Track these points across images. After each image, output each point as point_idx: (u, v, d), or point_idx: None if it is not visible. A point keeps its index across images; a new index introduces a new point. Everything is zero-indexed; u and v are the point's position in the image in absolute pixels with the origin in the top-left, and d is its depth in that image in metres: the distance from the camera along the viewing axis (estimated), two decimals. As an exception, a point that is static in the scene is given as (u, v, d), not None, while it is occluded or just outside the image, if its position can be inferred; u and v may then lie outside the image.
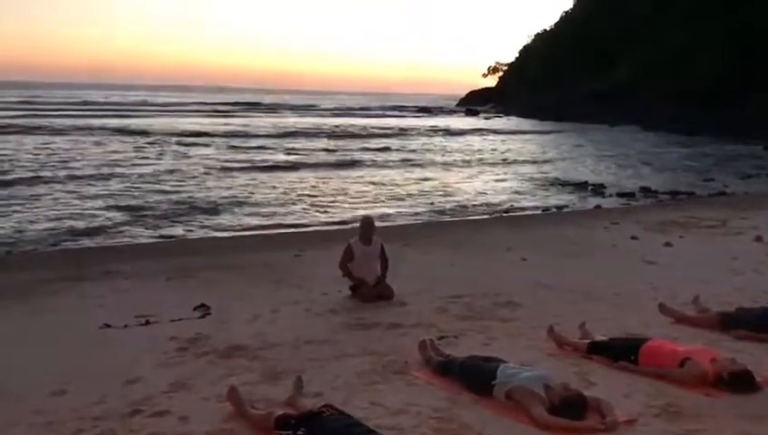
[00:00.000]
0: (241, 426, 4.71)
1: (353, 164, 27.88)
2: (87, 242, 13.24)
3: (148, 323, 7.28)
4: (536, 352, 6.17)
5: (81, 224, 14.68)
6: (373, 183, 22.49)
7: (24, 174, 21.49)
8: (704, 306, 7.31)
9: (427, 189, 21.62)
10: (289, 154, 30.37)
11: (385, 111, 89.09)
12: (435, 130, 50.53)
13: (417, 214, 17.37)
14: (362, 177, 24.00)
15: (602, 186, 22.66)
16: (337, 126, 49.92)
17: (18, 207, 16.11)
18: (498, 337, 6.67)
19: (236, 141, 35.65)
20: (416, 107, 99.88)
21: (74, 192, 18.57)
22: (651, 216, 15.53)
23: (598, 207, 18.74)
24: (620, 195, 20.95)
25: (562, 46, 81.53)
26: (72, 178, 21.11)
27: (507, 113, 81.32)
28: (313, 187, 21.28)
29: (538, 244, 11.99)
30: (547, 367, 5.46)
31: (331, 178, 23.32)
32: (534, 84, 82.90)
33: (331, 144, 36.04)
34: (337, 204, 18.38)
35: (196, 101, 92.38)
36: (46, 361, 6.13)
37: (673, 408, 4.96)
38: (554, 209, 18.50)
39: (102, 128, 41.16)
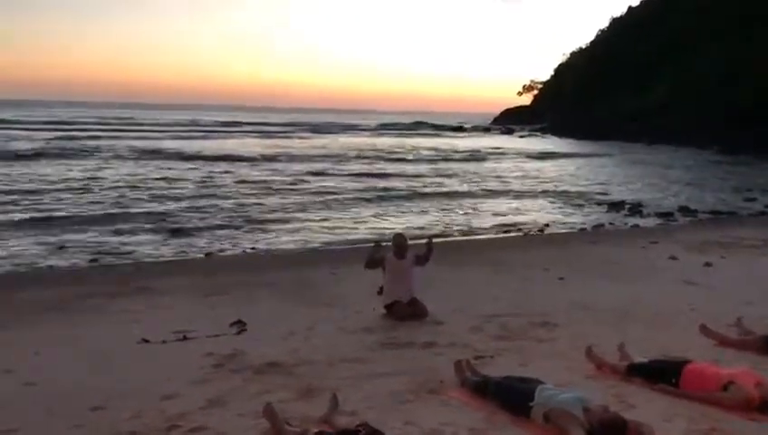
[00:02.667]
0: (277, 444, 4.71)
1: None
2: (125, 258, 13.43)
3: (185, 338, 7.35)
4: (574, 373, 6.07)
5: (118, 240, 14.93)
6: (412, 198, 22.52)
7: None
8: (747, 329, 7.14)
9: (462, 207, 21.57)
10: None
11: (427, 129, 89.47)
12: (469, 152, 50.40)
13: (453, 231, 17.31)
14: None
15: (640, 205, 22.35)
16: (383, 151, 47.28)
17: (57, 226, 16.47)
18: (535, 358, 6.58)
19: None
20: (449, 126, 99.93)
21: (114, 208, 18.92)
22: (691, 235, 15.26)
23: (636, 226, 18.48)
24: (659, 214, 20.63)
25: (598, 64, 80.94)
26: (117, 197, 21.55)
27: (543, 132, 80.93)
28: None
29: (575, 263, 11.85)
30: (585, 389, 5.36)
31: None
32: (570, 103, 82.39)
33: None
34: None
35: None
36: (85, 375, 6.22)
37: (717, 433, 4.84)
38: (591, 229, 18.28)
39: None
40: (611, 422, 4.65)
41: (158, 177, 26.34)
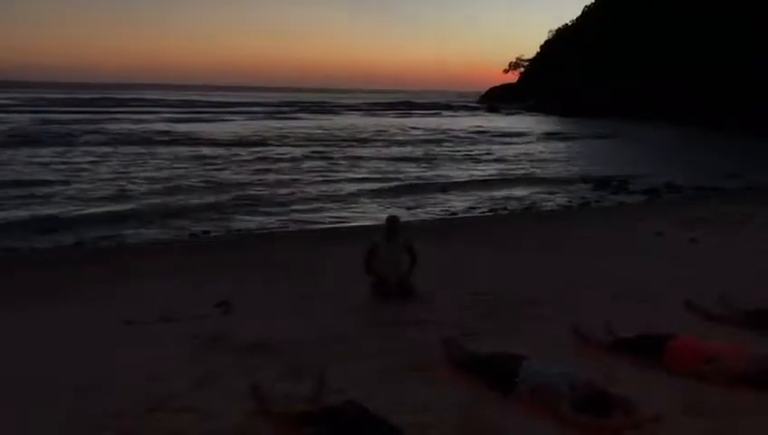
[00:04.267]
0: (263, 422, 4.70)
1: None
2: (109, 240, 13.33)
3: (170, 319, 7.31)
4: (561, 349, 6.08)
5: (104, 223, 14.82)
6: (396, 177, 22.47)
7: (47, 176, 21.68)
8: (731, 304, 7.19)
9: (451, 185, 21.56)
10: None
11: (406, 109, 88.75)
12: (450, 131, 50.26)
13: (440, 210, 17.30)
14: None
15: (626, 182, 22.42)
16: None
17: (39, 204, 16.31)
18: (522, 335, 6.60)
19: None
20: (434, 104, 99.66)
21: (103, 190, 18.75)
22: (676, 212, 15.32)
23: (622, 203, 18.55)
24: (645, 191, 20.70)
25: (585, 41, 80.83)
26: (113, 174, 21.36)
27: (529, 110, 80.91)
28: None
29: (562, 241, 11.88)
30: (571, 365, 5.38)
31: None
32: (556, 80, 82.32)
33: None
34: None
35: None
36: (70, 356, 6.18)
37: (700, 405, 4.87)
38: (577, 206, 18.32)
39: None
40: (597, 397, 4.68)
41: (142, 160, 25.96)
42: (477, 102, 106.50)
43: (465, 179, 23.35)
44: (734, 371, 5.25)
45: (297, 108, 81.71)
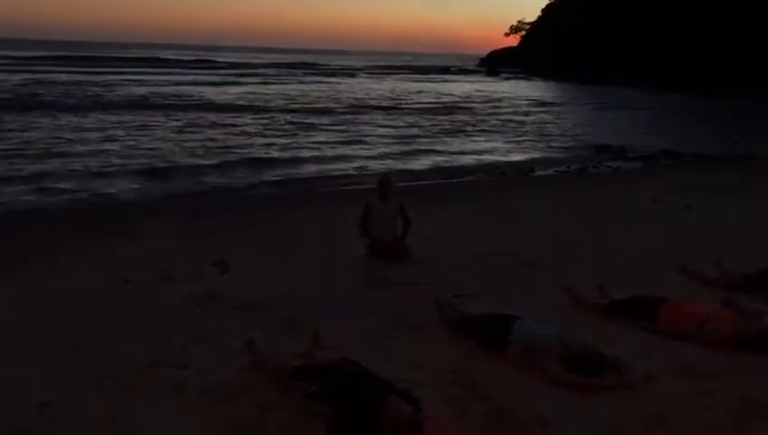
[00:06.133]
0: (258, 377, 4.76)
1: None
2: (107, 199, 13.34)
3: (168, 278, 7.34)
4: (554, 311, 6.11)
5: (100, 182, 14.80)
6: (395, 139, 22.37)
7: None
8: (725, 268, 7.22)
9: (443, 147, 21.49)
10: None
11: (400, 71, 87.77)
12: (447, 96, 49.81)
13: (436, 173, 17.29)
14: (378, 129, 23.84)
15: (624, 148, 22.37)
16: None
17: (35, 163, 16.24)
18: (516, 296, 6.64)
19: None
20: (434, 67, 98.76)
21: (98, 151, 18.64)
22: (673, 178, 15.32)
23: (619, 169, 18.54)
24: (642, 157, 20.69)
25: (587, 6, 79.73)
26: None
27: (529, 74, 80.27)
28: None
29: (558, 205, 11.90)
30: (565, 326, 5.42)
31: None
32: (557, 45, 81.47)
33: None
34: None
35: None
36: (69, 314, 6.22)
37: (692, 367, 4.93)
38: (575, 171, 18.31)
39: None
40: (589, 357, 4.73)
41: (140, 123, 25.53)
42: (478, 66, 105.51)
43: (462, 142, 23.29)
44: (726, 334, 5.30)
45: (302, 70, 79.68)
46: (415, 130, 25.97)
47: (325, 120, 28.65)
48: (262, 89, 45.68)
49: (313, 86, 51.35)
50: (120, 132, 22.34)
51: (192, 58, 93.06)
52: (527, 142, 24.42)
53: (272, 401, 4.43)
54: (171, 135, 22.15)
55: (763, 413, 4.29)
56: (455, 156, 20.26)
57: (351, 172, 16.90)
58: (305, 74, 70.29)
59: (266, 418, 4.21)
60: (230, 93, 40.48)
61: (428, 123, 28.80)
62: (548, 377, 4.69)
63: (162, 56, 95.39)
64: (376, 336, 5.56)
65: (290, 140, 22.01)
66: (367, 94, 44.19)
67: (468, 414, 4.27)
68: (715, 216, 10.94)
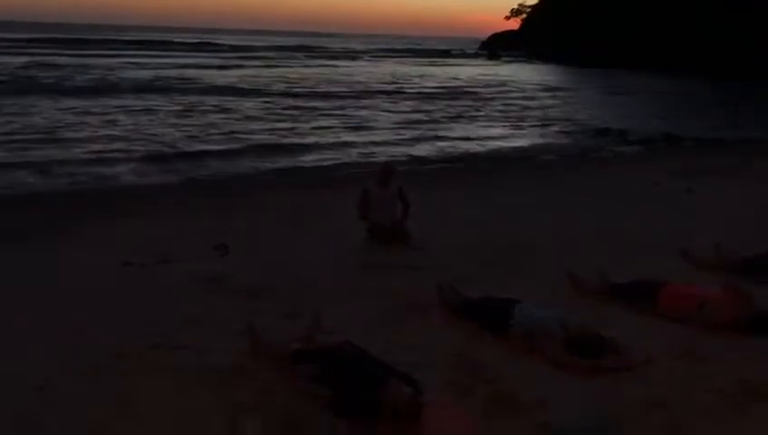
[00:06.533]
0: (258, 360, 4.77)
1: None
2: (107, 182, 13.32)
3: (167, 261, 7.34)
4: (555, 294, 6.14)
5: (100, 165, 14.77)
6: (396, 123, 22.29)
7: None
8: (726, 252, 7.22)
9: (444, 132, 21.42)
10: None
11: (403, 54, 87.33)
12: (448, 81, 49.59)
13: (437, 158, 17.25)
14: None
15: (625, 132, 22.31)
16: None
17: (35, 147, 16.19)
18: (516, 280, 6.64)
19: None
20: (435, 51, 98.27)
21: (99, 134, 18.57)
22: (674, 162, 15.29)
23: (620, 153, 18.50)
24: (643, 141, 20.63)
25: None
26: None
27: (530, 58, 79.93)
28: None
29: (558, 190, 11.89)
30: (565, 309, 5.43)
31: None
32: (558, 28, 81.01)
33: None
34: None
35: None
36: (69, 296, 6.22)
37: (691, 350, 4.95)
38: (576, 155, 18.27)
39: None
40: (589, 340, 4.75)
41: (142, 107, 25.32)
42: (479, 49, 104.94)
43: (464, 127, 23.18)
44: (726, 317, 5.31)
45: (303, 53, 78.87)
46: (418, 116, 25.71)
47: (328, 104, 28.46)
48: (264, 72, 45.40)
49: (315, 69, 50.99)
50: (121, 116, 22.16)
51: (196, 41, 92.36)
52: (529, 127, 24.30)
53: (272, 384, 4.44)
54: (173, 119, 22.02)
55: (761, 396, 4.30)
56: (457, 141, 20.16)
57: (355, 158, 16.81)
58: (306, 57, 69.87)
59: (266, 401, 4.22)
60: (232, 77, 40.18)
61: (431, 108, 28.60)
62: (548, 360, 4.71)
63: (164, 39, 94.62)
64: (376, 320, 5.57)
65: (293, 125, 21.82)
66: (369, 78, 43.93)
67: (469, 397, 4.29)
68: (716, 199, 10.93)
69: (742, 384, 4.42)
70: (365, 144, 18.77)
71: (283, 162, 15.91)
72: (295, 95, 31.41)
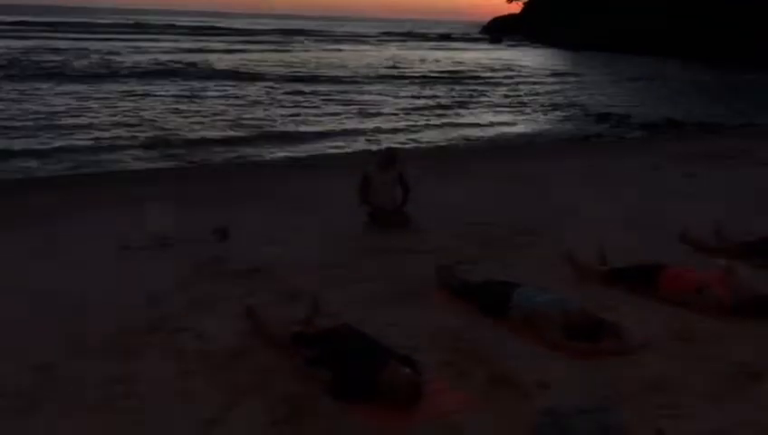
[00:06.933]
0: (258, 343, 4.78)
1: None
2: (106, 167, 13.30)
3: (167, 245, 7.34)
4: (554, 278, 6.13)
5: (100, 150, 14.75)
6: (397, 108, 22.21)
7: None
8: (726, 236, 7.23)
9: (447, 117, 21.34)
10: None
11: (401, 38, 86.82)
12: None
13: (437, 142, 17.21)
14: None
15: (627, 116, 22.24)
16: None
17: (35, 132, 16.16)
18: (516, 263, 6.65)
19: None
20: (437, 35, 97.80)
21: (100, 120, 18.52)
22: (675, 146, 15.27)
23: (622, 137, 18.45)
24: (644, 126, 20.57)
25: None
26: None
27: (532, 41, 79.60)
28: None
29: (559, 174, 11.85)
30: (565, 293, 5.44)
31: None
32: (559, 12, 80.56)
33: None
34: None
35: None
36: (68, 279, 6.23)
37: (690, 333, 4.96)
38: (577, 140, 18.23)
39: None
40: (588, 323, 4.75)
41: (143, 92, 25.14)
42: (480, 33, 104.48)
43: (467, 112, 23.09)
44: (724, 300, 5.32)
45: (305, 37, 77.98)
46: (422, 102, 25.53)
47: (332, 88, 28.33)
48: (267, 57, 45.17)
49: (320, 54, 50.78)
50: (122, 101, 22.11)
51: (198, 24, 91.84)
52: (531, 111, 24.24)
53: (271, 366, 4.45)
54: (174, 104, 21.96)
55: (760, 378, 4.32)
56: (460, 126, 20.11)
57: (361, 145, 16.73)
58: (308, 41, 69.56)
59: (266, 383, 4.23)
60: (235, 61, 39.96)
61: (433, 93, 28.48)
62: (547, 342, 4.72)
63: (165, 22, 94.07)
64: (376, 302, 5.58)
65: (296, 111, 21.73)
66: (373, 62, 43.68)
67: (468, 379, 4.30)
68: (716, 183, 10.91)
69: (740, 367, 4.44)
70: (371, 131, 18.67)
71: (287, 149, 15.87)
72: (299, 80, 31.17)
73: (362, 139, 17.38)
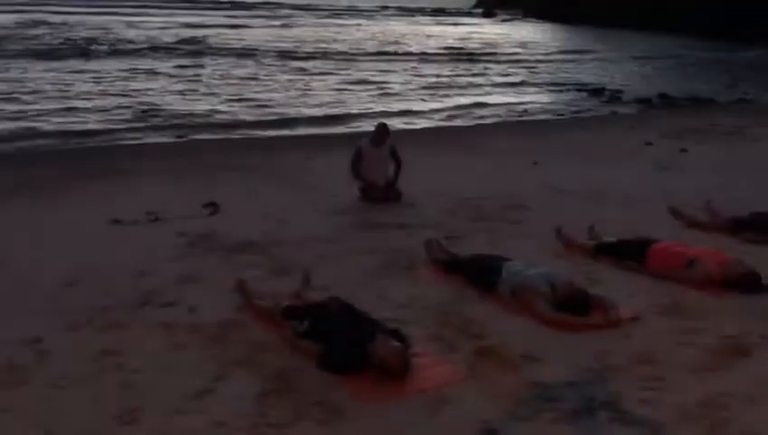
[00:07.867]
0: (248, 316, 4.79)
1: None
2: (97, 141, 13.21)
3: (157, 219, 7.32)
4: (544, 252, 6.16)
5: (91, 123, 14.64)
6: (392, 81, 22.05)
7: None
8: (716, 211, 7.25)
9: (438, 92, 21.21)
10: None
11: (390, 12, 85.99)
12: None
13: (429, 117, 17.12)
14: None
15: (620, 91, 22.16)
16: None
17: (25, 105, 15.99)
18: (506, 238, 6.67)
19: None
20: (428, 9, 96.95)
21: (92, 95, 18.34)
22: (668, 122, 15.26)
23: (614, 112, 18.41)
24: (638, 101, 20.51)
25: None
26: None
27: (526, 15, 79.16)
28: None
29: (551, 148, 11.85)
30: (554, 267, 5.45)
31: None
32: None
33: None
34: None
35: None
36: (57, 253, 6.22)
37: (676, 307, 4.99)
38: (569, 114, 18.18)
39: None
40: (576, 296, 4.77)
41: (140, 68, 24.72)
42: (473, 7, 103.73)
43: (461, 87, 22.95)
44: (713, 274, 5.34)
45: (300, 10, 76.82)
46: (418, 81, 25.12)
47: (330, 65, 28.00)
48: (267, 32, 44.60)
49: (319, 29, 50.06)
50: (114, 76, 21.81)
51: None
52: (523, 86, 24.09)
53: (262, 340, 4.46)
54: (170, 80, 21.68)
55: (746, 352, 4.35)
56: (453, 98, 19.99)
57: (353, 119, 16.57)
58: (304, 15, 68.68)
59: (257, 357, 4.24)
60: (231, 37, 39.38)
61: (431, 71, 28.08)
62: (535, 316, 4.74)
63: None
64: (366, 276, 5.59)
65: (292, 85, 21.51)
66: (370, 38, 43.19)
67: (456, 352, 4.32)
68: (709, 158, 10.93)
69: (727, 340, 4.47)
70: (371, 110, 18.39)
71: (281, 124, 15.69)
72: (302, 58, 30.55)
73: (358, 116, 17.23)
